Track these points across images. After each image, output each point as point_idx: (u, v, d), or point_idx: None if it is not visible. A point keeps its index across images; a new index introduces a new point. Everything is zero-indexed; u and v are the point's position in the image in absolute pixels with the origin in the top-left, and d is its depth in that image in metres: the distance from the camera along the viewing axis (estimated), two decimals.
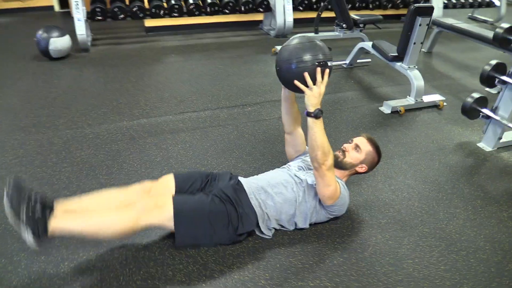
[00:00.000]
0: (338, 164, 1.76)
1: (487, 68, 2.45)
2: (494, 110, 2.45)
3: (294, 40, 1.55)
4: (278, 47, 2.29)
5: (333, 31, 4.08)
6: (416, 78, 3.00)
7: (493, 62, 2.44)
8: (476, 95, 2.49)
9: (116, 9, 4.13)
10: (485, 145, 2.54)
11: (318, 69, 1.47)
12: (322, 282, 1.49)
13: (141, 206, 1.48)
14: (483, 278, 1.55)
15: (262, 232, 1.66)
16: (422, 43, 2.97)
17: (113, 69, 3.57)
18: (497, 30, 2.74)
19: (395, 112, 2.93)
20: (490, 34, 3.21)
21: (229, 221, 1.56)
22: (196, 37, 4.72)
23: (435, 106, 3.05)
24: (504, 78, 2.37)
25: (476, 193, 2.07)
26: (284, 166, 1.84)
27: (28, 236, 1.29)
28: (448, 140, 2.61)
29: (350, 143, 1.82)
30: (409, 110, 2.98)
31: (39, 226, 1.31)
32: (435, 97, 3.12)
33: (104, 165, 2.14)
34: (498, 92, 2.73)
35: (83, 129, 2.51)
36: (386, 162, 2.24)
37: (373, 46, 3.36)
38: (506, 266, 1.61)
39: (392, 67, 3.23)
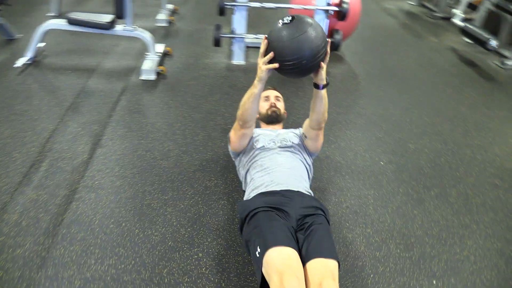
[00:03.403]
0: (280, 119, 2.03)
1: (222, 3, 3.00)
2: (232, 32, 3.14)
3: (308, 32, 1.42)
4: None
5: None
6: (145, 33, 3.05)
7: None
8: (217, 26, 3.05)
9: None
10: (238, 61, 3.26)
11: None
12: None
13: None
14: None
15: None
16: None
17: None
18: None
19: (159, 75, 2.99)
20: None
21: None
22: None
23: (165, 54, 3.31)
24: (230, 3, 3.03)
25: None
26: (263, 153, 1.82)
27: None
28: (216, 67, 3.13)
29: (268, 100, 2.04)
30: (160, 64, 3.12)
31: None
32: (161, 47, 3.33)
33: None
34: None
35: None
36: None
37: (71, 22, 2.93)
38: None
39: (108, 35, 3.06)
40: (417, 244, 1.75)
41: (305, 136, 1.88)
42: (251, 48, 3.48)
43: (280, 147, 1.82)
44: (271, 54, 1.46)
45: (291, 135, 1.91)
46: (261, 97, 2.13)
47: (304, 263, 1.33)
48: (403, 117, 2.76)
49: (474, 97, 3.15)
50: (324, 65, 1.52)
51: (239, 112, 1.70)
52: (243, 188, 1.85)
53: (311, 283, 1.27)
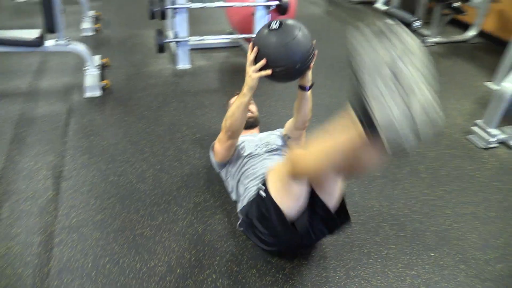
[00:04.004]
0: (257, 123, 2.07)
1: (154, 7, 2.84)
2: (176, 36, 3.00)
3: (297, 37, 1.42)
4: None
5: None
6: (80, 45, 2.78)
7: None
8: (158, 32, 2.89)
9: None
10: (184, 65, 3.14)
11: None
12: None
13: None
14: None
15: None
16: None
17: None
18: None
19: (104, 90, 2.76)
20: None
21: None
22: None
23: (104, 66, 3.06)
24: (172, 6, 2.88)
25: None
26: (252, 160, 1.79)
27: None
28: (162, 74, 2.99)
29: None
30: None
31: None
32: (98, 58, 3.07)
33: None
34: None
35: None
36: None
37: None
38: None
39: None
40: (407, 222, 1.87)
41: (288, 137, 1.89)
42: (194, 50, 3.37)
43: (267, 151, 1.81)
44: (263, 61, 1.43)
45: (274, 138, 1.91)
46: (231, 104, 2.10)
47: None
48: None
49: None
50: (311, 67, 1.53)
51: (226, 123, 1.65)
52: (233, 199, 1.81)
53: None
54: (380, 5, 4.70)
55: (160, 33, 2.95)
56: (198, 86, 2.93)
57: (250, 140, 1.89)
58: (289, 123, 1.87)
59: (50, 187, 1.90)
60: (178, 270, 1.54)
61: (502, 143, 2.47)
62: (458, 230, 1.85)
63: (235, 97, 2.11)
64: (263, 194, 1.42)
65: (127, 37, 3.69)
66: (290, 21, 1.45)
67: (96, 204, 1.82)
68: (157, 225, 1.74)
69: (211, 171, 2.05)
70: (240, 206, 1.69)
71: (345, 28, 4.52)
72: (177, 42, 3.04)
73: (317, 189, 1.37)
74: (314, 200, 1.39)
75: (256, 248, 1.65)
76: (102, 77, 2.80)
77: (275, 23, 1.43)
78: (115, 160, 2.11)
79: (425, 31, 4.05)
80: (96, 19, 3.90)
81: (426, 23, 4.12)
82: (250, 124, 1.98)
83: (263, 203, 1.42)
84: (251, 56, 1.47)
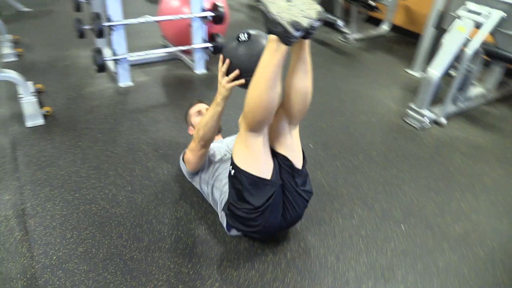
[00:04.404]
0: (220, 130, 2.16)
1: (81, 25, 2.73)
2: (115, 53, 2.91)
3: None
4: None
5: None
6: (11, 73, 2.56)
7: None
8: (96, 51, 2.78)
9: None
10: (125, 83, 3.06)
11: None
12: None
13: None
14: None
15: None
16: None
17: None
18: None
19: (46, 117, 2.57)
20: None
21: None
22: None
23: (39, 92, 2.85)
24: (109, 23, 2.78)
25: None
26: (223, 164, 1.84)
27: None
28: (105, 94, 2.91)
29: (201, 113, 2.09)
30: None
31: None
32: (31, 85, 2.84)
33: None
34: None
35: None
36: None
37: None
38: None
39: None
40: (375, 202, 2.06)
41: None
42: (133, 67, 3.29)
43: None
44: (236, 72, 1.50)
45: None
46: (193, 114, 2.12)
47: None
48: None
49: (341, 71, 3.70)
50: None
51: (199, 133, 1.69)
52: (212, 203, 1.86)
53: None
54: None
55: (99, 52, 2.84)
56: (146, 102, 2.88)
57: (218, 146, 1.95)
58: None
59: (15, 228, 1.75)
60: (180, 286, 1.54)
61: (434, 122, 2.81)
62: (418, 203, 2.08)
63: (195, 106, 2.15)
64: (232, 171, 1.52)
65: (56, 60, 3.46)
66: (256, 32, 1.54)
67: (73, 236, 1.72)
68: (145, 246, 1.70)
69: (184, 184, 2.05)
70: (219, 208, 1.73)
71: None
72: (116, 60, 2.95)
73: (276, 146, 1.55)
74: (277, 158, 1.55)
75: (249, 250, 1.70)
76: (41, 104, 2.62)
77: (244, 35, 1.51)
78: (81, 188, 2.00)
79: (345, 29, 4.40)
80: (16, 43, 3.60)
81: (345, 21, 4.48)
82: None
83: (236, 180, 1.51)
84: (223, 67, 1.53)
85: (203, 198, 1.97)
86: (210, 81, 3.26)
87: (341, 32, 4.42)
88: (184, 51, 3.44)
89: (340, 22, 3.98)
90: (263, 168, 1.50)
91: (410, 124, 2.79)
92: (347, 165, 2.34)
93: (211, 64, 3.46)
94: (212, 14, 3.15)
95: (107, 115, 2.67)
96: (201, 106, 2.15)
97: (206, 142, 1.72)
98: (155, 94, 3.02)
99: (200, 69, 3.40)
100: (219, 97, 1.59)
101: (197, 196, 1.99)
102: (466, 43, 2.56)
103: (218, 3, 3.17)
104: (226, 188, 1.70)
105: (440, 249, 1.80)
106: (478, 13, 2.59)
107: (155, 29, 3.78)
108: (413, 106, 2.79)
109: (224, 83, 1.54)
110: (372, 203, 2.05)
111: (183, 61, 3.56)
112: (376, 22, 4.81)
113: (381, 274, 1.66)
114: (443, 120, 2.78)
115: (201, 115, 2.06)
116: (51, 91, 2.92)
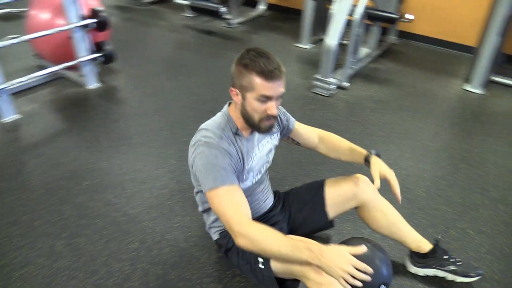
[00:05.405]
0: None
1: None
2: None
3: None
4: None
5: None
6: None
7: None
8: None
9: None
10: (10, 117, 2.62)
11: None
12: None
13: None
14: None
15: None
16: None
17: None
18: None
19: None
20: None
21: None
22: None
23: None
24: None
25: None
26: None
27: None
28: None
29: (265, 101, 1.27)
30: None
31: None
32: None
33: None
34: None
35: None
36: None
37: None
38: None
39: None
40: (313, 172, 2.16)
41: (292, 140, 1.73)
42: (17, 94, 2.82)
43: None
44: (369, 269, 1.09)
45: (272, 148, 1.57)
46: (257, 89, 1.27)
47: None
48: (212, 95, 3.02)
49: (234, 56, 3.71)
50: None
51: (255, 244, 1.18)
52: (206, 221, 1.59)
53: None
54: (180, 0, 4.76)
55: None
56: (44, 132, 2.51)
57: (256, 161, 1.44)
58: (314, 136, 1.80)
59: None
60: None
61: (338, 87, 3.03)
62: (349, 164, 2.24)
63: (266, 78, 1.26)
64: (262, 266, 1.35)
65: None
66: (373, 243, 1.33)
67: None
68: None
69: (127, 211, 1.87)
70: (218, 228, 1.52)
71: (154, 30, 4.50)
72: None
73: None
74: None
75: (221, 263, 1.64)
76: None
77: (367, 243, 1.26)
78: (5, 252, 1.68)
79: (228, 16, 4.42)
80: None
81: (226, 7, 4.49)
82: (263, 131, 1.36)
83: (258, 271, 1.36)
84: (356, 250, 1.13)
85: (152, 220, 1.82)
86: (109, 94, 2.98)
87: (224, 19, 4.42)
88: (69, 68, 3.06)
89: (222, 9, 3.97)
90: None
91: (319, 94, 2.97)
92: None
93: (104, 75, 3.16)
94: (95, 20, 2.85)
95: (2, 159, 2.26)
96: (274, 85, 1.25)
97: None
98: (52, 122, 2.65)
99: (92, 84, 3.08)
100: (315, 259, 1.12)
101: (147, 220, 1.83)
102: (352, 10, 2.79)
103: (97, 8, 2.88)
104: None
105: None
106: None
107: (23, 50, 3.28)
108: (318, 76, 2.96)
109: (344, 266, 1.08)
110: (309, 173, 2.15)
111: (69, 79, 3.18)
112: (253, 4, 4.93)
113: None
114: (346, 84, 3.02)
115: (265, 103, 1.27)
116: None
